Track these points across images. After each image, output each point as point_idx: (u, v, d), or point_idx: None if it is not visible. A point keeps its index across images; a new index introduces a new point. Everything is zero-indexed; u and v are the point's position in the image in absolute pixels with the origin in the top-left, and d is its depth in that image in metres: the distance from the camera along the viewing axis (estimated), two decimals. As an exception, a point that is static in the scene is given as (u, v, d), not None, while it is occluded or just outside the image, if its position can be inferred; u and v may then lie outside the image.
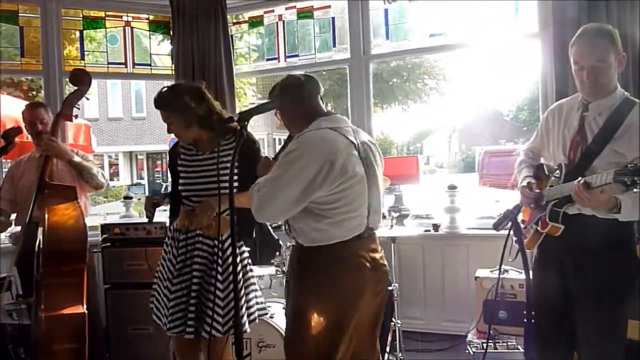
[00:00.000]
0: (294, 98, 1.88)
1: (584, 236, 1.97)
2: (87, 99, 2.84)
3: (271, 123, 23.93)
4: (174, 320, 2.23)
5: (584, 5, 2.99)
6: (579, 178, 1.79)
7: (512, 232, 1.81)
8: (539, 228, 2.09)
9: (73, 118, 2.80)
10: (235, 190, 1.67)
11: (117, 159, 25.14)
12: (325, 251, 1.80)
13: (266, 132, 22.22)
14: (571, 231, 2.00)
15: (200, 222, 2.20)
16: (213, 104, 2.33)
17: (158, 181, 23.02)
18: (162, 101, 2.26)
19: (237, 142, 1.57)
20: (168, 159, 2.47)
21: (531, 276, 1.95)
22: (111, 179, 23.68)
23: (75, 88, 2.79)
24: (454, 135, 39.74)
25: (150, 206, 2.36)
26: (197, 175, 2.30)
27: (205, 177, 2.28)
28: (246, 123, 1.63)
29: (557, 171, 2.06)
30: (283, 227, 1.97)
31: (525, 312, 1.96)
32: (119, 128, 23.45)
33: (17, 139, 2.89)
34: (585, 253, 1.97)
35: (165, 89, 2.32)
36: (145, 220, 3.44)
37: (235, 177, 1.78)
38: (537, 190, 2.07)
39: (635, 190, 1.63)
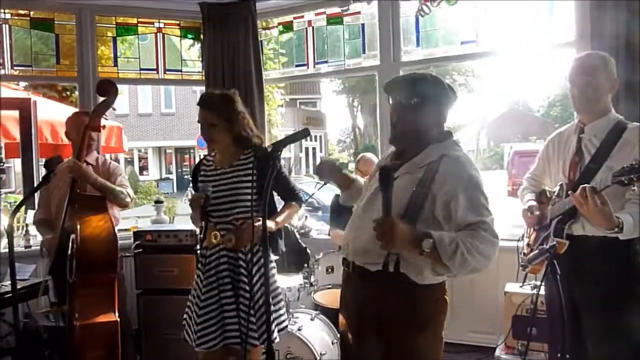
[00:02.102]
0: (443, 102, 1.81)
1: (588, 253, 2.04)
2: (114, 109, 2.88)
3: (298, 119, 24.02)
4: (203, 336, 2.25)
5: (622, 18, 2.91)
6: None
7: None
8: (543, 246, 2.12)
9: (101, 129, 2.86)
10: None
11: (147, 154, 25.64)
12: None
13: (293, 128, 22.30)
14: (575, 250, 2.06)
15: (240, 245, 2.25)
16: (247, 119, 2.43)
17: (186, 176, 23.36)
18: (212, 102, 2.35)
19: (271, 173, 1.58)
20: (191, 179, 2.53)
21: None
22: (140, 174, 24.20)
23: (103, 99, 2.83)
24: (482, 132, 39.12)
25: (198, 207, 2.27)
26: (216, 190, 2.31)
27: (223, 190, 2.31)
28: (279, 153, 1.64)
29: (559, 190, 2.16)
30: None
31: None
32: (149, 123, 23.90)
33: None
34: (589, 270, 2.06)
35: (217, 91, 2.47)
36: (176, 227, 3.52)
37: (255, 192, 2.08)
38: (537, 213, 2.20)
39: (633, 188, 1.76)
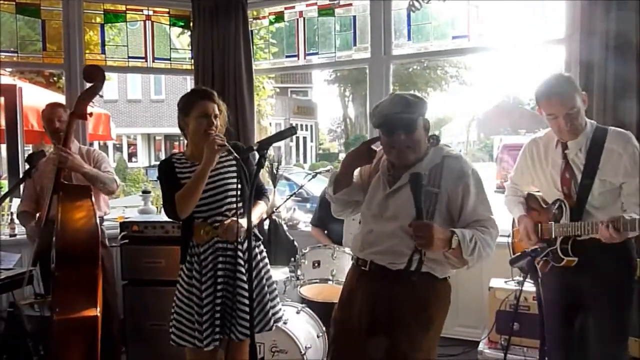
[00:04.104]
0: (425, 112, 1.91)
1: (592, 258, 2.13)
2: (101, 96, 2.82)
3: (288, 108, 23.92)
4: (211, 334, 2.19)
5: (613, 16, 2.92)
6: (607, 223, 1.93)
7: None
8: (553, 263, 2.25)
9: (88, 116, 2.78)
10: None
11: (136, 140, 25.42)
12: None
13: (283, 117, 22.22)
14: (581, 255, 2.17)
15: (231, 238, 2.21)
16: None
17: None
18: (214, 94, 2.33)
19: (257, 170, 1.58)
20: (160, 174, 2.33)
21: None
22: (129, 160, 24.01)
23: (89, 85, 2.75)
24: (473, 124, 39.28)
25: None
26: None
27: (211, 184, 2.25)
28: (265, 152, 1.64)
29: (558, 206, 2.23)
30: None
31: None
32: (138, 110, 23.67)
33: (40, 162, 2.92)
34: (592, 274, 2.14)
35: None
36: (163, 218, 3.50)
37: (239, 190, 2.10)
38: (541, 245, 2.21)
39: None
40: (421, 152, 1.90)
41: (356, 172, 2.07)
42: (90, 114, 2.83)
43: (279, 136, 1.75)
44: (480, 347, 3.15)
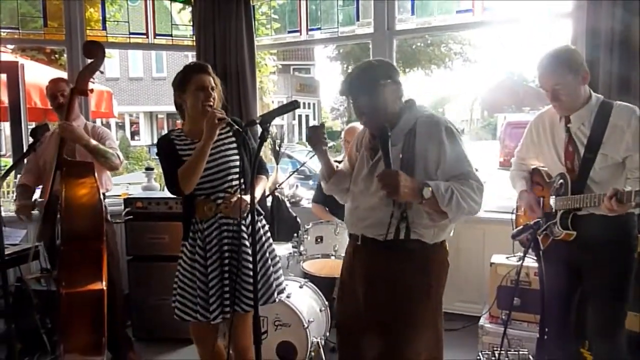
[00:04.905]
0: (396, 78, 1.91)
1: (592, 234, 2.14)
2: (102, 72, 2.79)
3: (291, 86, 23.76)
4: (219, 307, 2.22)
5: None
6: (609, 194, 1.89)
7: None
8: (553, 237, 2.27)
9: (89, 92, 2.79)
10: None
11: (138, 118, 25.35)
12: None
13: (286, 95, 22.09)
14: (581, 231, 2.19)
15: (236, 215, 2.22)
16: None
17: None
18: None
19: (260, 143, 1.58)
20: (160, 151, 2.33)
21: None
22: (132, 138, 23.98)
23: (90, 61, 2.75)
24: (477, 102, 38.98)
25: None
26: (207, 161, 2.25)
27: (214, 161, 2.25)
28: (268, 125, 1.64)
29: (560, 180, 2.24)
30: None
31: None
32: (140, 88, 23.55)
33: (47, 134, 2.95)
34: (592, 248, 2.15)
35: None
36: (166, 194, 3.52)
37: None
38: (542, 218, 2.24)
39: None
40: (388, 116, 1.88)
41: (346, 159, 2.10)
42: (92, 90, 2.82)
43: (282, 110, 1.74)
44: (481, 322, 3.19)
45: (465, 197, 1.73)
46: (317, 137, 2.04)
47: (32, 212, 3.06)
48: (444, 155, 1.79)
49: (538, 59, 2.20)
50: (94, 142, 2.89)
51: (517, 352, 2.02)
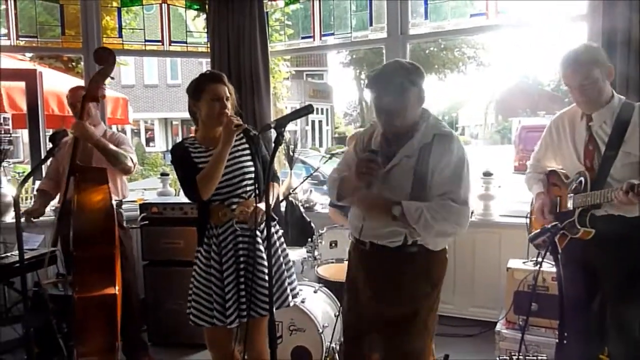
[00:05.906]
0: (421, 82, 1.91)
1: (609, 233, 2.11)
2: (112, 78, 2.81)
3: (304, 92, 23.83)
4: (235, 310, 2.23)
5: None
6: (625, 188, 1.87)
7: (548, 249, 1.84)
8: (570, 236, 2.25)
9: (100, 98, 2.81)
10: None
11: (153, 125, 25.62)
12: None
13: (299, 101, 22.16)
14: (598, 230, 2.16)
15: (252, 224, 2.24)
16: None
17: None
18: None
19: (275, 147, 1.59)
20: (175, 159, 2.32)
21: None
22: (147, 145, 24.23)
23: (100, 67, 2.77)
24: (491, 106, 38.72)
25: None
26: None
27: (229, 167, 2.25)
28: (283, 129, 1.64)
29: (580, 178, 2.21)
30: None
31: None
32: (155, 95, 23.81)
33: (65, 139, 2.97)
34: (609, 247, 2.13)
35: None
36: (181, 199, 3.54)
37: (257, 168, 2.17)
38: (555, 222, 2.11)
39: None
40: (408, 120, 1.88)
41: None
42: (104, 96, 2.86)
43: (296, 114, 1.75)
44: (498, 327, 3.15)
45: (437, 219, 1.79)
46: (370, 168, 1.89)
47: (38, 218, 3.11)
48: (444, 173, 1.83)
49: (561, 58, 2.19)
50: (104, 141, 2.92)
51: (535, 358, 1.98)
